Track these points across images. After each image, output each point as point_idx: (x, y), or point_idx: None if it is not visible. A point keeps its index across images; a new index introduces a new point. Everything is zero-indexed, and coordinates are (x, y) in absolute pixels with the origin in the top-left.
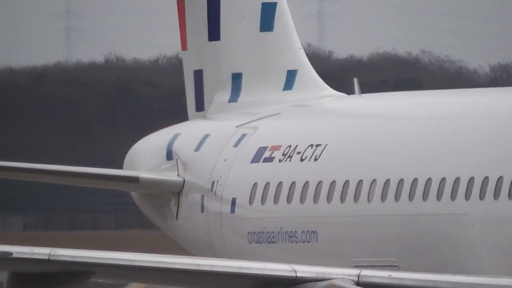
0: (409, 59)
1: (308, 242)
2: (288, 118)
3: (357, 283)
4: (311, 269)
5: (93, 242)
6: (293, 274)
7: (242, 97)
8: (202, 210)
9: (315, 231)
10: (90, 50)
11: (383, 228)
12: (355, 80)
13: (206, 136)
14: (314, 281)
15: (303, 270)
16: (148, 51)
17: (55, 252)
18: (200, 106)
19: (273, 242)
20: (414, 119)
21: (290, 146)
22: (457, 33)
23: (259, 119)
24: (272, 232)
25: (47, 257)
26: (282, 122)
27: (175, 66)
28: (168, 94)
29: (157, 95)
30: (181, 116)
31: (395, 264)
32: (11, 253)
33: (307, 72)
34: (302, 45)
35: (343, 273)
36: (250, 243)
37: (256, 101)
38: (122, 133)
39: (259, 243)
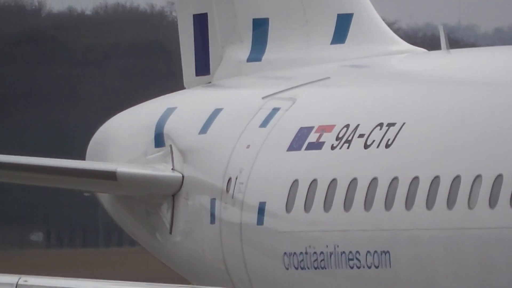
0: None
1: (377, 267)
2: (343, 84)
3: None
4: None
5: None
6: None
7: (269, 54)
8: (212, 221)
9: (388, 252)
10: None
11: (495, 247)
12: (441, 28)
13: (217, 111)
14: None
15: None
16: None
17: (25, 281)
18: (202, 68)
19: (323, 268)
20: None
21: (347, 126)
22: None
23: (297, 86)
24: (322, 253)
25: None
26: (334, 91)
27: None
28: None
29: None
30: (167, 81)
31: None
32: None
33: (368, 16)
34: None
35: None
36: (287, 268)
37: (289, 60)
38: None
39: (302, 268)
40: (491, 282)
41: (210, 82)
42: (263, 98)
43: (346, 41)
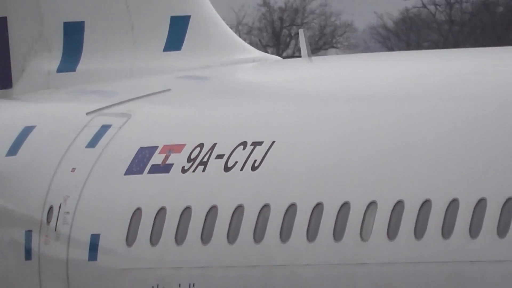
0: None
1: None
2: (188, 98)
3: None
4: None
5: None
6: None
7: (85, 63)
8: (29, 257)
9: None
10: None
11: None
12: (301, 32)
13: (28, 129)
14: None
15: None
16: None
17: None
18: (2, 80)
19: None
20: (415, 98)
21: (201, 145)
22: None
23: (131, 100)
24: None
25: None
26: (178, 106)
27: None
28: None
29: None
30: None
31: None
32: None
33: (208, 18)
34: None
35: None
36: None
37: (112, 71)
38: None
39: None
40: None
41: (12, 97)
42: (87, 113)
43: (183, 48)
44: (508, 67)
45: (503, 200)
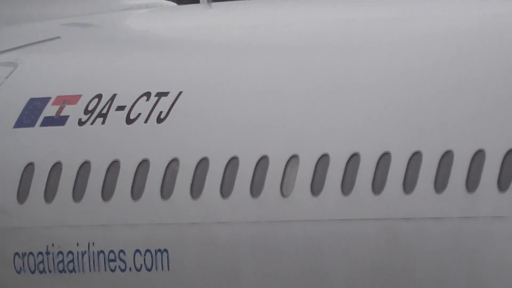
0: None
1: (149, 270)
2: (80, 46)
3: None
4: None
5: None
6: None
7: None
8: None
9: (166, 250)
10: None
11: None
12: None
13: None
14: None
15: None
16: None
17: None
18: None
19: (73, 271)
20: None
21: (99, 96)
22: None
23: (16, 48)
24: (71, 252)
25: None
26: (70, 54)
27: None
28: None
29: None
30: None
31: None
32: None
33: None
34: None
35: None
36: (19, 273)
37: None
38: None
39: (42, 272)
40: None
41: None
42: None
43: None
44: None
45: (441, 154)
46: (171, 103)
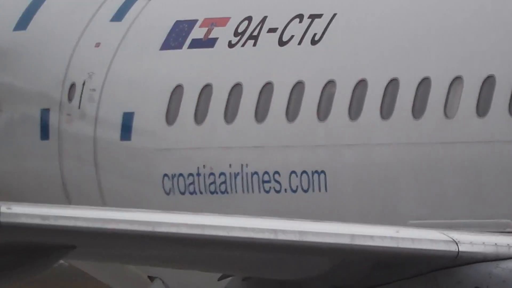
0: None
1: (306, 191)
2: None
3: None
4: (485, 238)
5: None
6: (454, 248)
7: None
8: (45, 137)
9: (323, 172)
10: None
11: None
12: None
13: (39, 0)
14: (498, 260)
15: (470, 241)
16: None
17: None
18: None
19: (225, 192)
20: None
21: (249, 18)
22: None
23: None
24: (223, 173)
25: None
26: None
27: None
28: None
29: None
30: None
31: None
32: None
33: None
34: None
35: None
36: (168, 194)
37: None
38: None
39: (192, 193)
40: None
41: None
42: None
43: None
44: None
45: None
46: (325, 25)
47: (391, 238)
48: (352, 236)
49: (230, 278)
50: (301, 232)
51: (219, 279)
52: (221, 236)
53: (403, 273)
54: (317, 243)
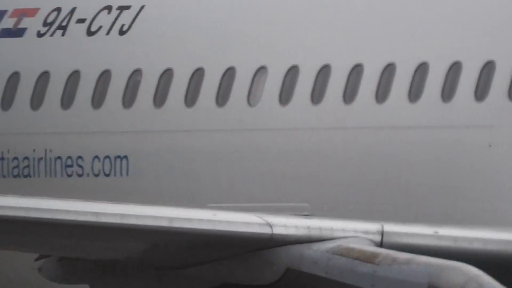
0: None
1: (108, 175)
2: None
3: (381, 243)
4: (298, 222)
5: None
6: (268, 231)
7: None
8: None
9: (126, 157)
10: None
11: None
12: None
13: None
14: (311, 242)
15: (284, 224)
16: None
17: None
18: None
19: (27, 176)
20: None
21: (59, 9)
22: None
23: None
24: (26, 158)
25: None
26: None
27: None
28: None
29: None
30: None
31: None
32: None
33: None
34: None
35: (356, 228)
36: None
37: None
38: None
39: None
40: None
41: None
42: None
43: None
44: None
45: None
46: (134, 16)
47: (208, 220)
48: (171, 218)
49: (46, 258)
50: (122, 215)
51: (36, 260)
52: (45, 219)
53: (219, 254)
54: (137, 225)
